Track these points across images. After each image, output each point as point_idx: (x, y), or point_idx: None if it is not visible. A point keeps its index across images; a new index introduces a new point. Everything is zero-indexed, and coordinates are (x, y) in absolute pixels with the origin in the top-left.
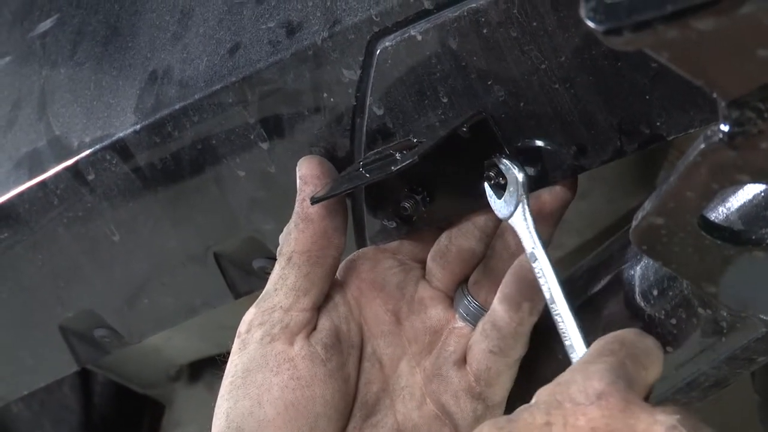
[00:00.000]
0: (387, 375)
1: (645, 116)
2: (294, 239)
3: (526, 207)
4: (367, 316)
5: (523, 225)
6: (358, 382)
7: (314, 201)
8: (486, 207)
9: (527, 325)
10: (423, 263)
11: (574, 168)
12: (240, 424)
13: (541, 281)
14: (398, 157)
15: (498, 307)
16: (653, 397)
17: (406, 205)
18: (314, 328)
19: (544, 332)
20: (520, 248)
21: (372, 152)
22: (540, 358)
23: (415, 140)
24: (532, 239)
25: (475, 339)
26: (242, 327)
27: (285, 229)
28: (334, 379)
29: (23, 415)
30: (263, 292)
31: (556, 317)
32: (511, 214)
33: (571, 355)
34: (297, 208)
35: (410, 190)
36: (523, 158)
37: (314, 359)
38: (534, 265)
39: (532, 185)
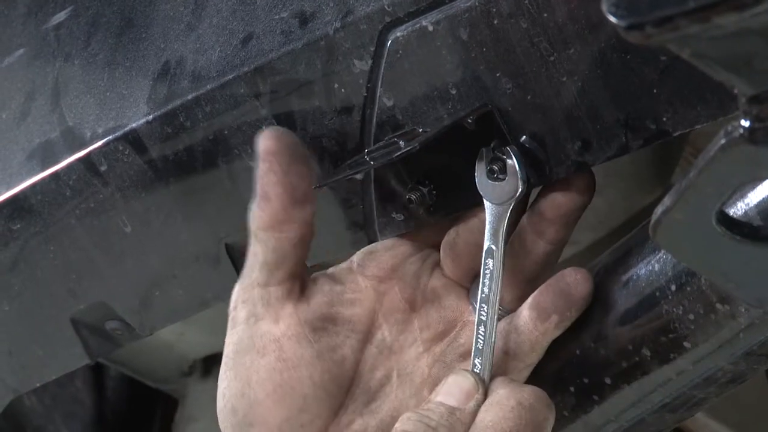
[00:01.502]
0: (394, 362)
1: (652, 111)
2: (256, 217)
3: (511, 207)
4: (384, 303)
5: (499, 219)
6: (363, 368)
7: (318, 187)
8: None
9: (549, 337)
10: (438, 248)
11: (577, 164)
12: (234, 405)
13: (485, 280)
14: (401, 145)
15: (525, 312)
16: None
17: (412, 197)
18: (304, 303)
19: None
20: (536, 246)
21: (380, 143)
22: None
23: (420, 130)
24: (498, 239)
25: None
26: (231, 305)
27: (250, 207)
28: (323, 361)
29: (36, 408)
30: (243, 269)
31: (480, 316)
32: (499, 203)
33: (476, 360)
34: (257, 186)
35: (417, 183)
36: (526, 152)
37: (301, 340)
38: (486, 261)
39: (536, 181)
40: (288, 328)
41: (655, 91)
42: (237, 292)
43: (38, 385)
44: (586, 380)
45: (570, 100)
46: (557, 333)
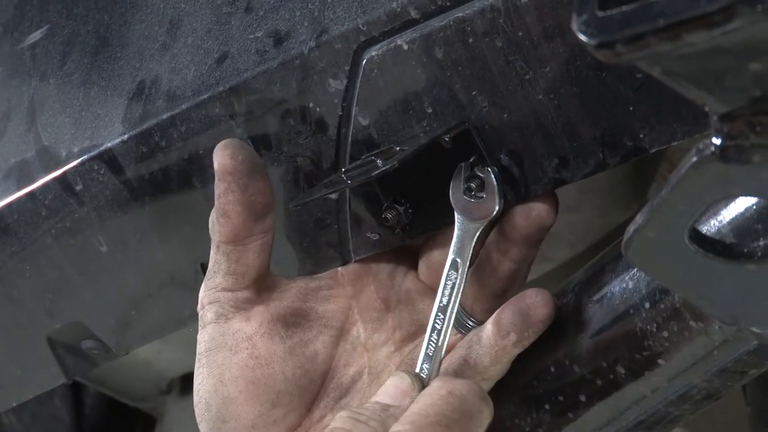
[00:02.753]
0: (367, 359)
1: (628, 128)
2: (217, 231)
3: (484, 225)
4: (360, 300)
5: (470, 236)
6: (337, 363)
7: (294, 206)
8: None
9: (509, 354)
10: (414, 252)
11: (555, 181)
12: (208, 401)
13: (445, 290)
14: (379, 164)
15: (489, 326)
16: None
17: (389, 216)
18: (276, 300)
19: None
20: (501, 264)
21: (356, 162)
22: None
23: (397, 148)
24: (464, 254)
25: (459, 344)
26: (198, 304)
27: (210, 217)
28: (295, 356)
29: (14, 426)
30: (207, 269)
31: (435, 324)
32: (473, 220)
33: (423, 365)
34: (216, 202)
35: (393, 201)
36: (504, 169)
37: (273, 336)
38: (450, 272)
39: (513, 198)
40: (260, 326)
41: (631, 108)
42: (203, 292)
43: (15, 404)
44: (561, 398)
45: (547, 117)
46: (516, 351)
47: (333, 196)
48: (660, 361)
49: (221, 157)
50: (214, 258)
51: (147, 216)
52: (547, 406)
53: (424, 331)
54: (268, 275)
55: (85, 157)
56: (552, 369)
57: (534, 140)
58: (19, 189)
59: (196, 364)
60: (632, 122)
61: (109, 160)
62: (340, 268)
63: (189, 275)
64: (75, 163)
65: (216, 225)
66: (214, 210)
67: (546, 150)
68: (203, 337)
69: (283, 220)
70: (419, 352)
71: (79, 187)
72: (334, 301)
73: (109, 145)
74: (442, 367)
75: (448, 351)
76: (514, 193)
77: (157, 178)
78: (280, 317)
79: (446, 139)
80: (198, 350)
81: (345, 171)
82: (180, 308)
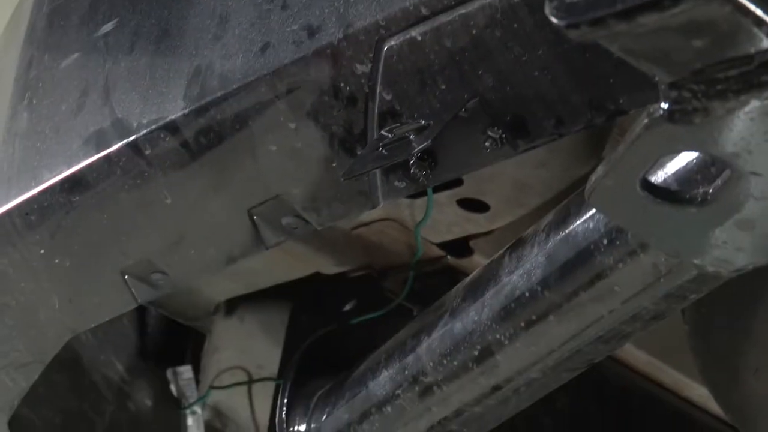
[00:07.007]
0: None
1: (610, 95)
2: None
3: None
4: None
5: None
6: None
7: (346, 177)
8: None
9: None
10: None
11: (555, 134)
12: None
13: None
14: (412, 138)
15: None
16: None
17: (416, 171)
18: None
19: None
20: None
21: (386, 129)
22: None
23: (423, 122)
24: None
25: None
26: None
27: None
28: None
29: (90, 342)
30: None
31: None
32: None
33: None
34: None
35: (418, 158)
36: (512, 129)
37: None
38: None
39: (522, 148)
40: None
41: (611, 80)
42: None
43: (93, 325)
44: (534, 317)
45: (543, 88)
46: None
47: (379, 169)
48: (616, 287)
49: None
50: None
51: (204, 174)
52: (522, 324)
53: None
54: None
55: (153, 126)
56: (527, 294)
57: (534, 105)
58: (97, 152)
59: None
60: (613, 90)
61: (173, 129)
62: None
63: (239, 221)
64: (144, 131)
65: None
66: None
67: (545, 113)
68: None
69: (322, 174)
70: None
71: (147, 152)
72: None
73: (172, 117)
74: None
75: None
76: (524, 144)
77: (213, 144)
78: None
79: (463, 110)
80: None
81: (383, 145)
82: (231, 248)
